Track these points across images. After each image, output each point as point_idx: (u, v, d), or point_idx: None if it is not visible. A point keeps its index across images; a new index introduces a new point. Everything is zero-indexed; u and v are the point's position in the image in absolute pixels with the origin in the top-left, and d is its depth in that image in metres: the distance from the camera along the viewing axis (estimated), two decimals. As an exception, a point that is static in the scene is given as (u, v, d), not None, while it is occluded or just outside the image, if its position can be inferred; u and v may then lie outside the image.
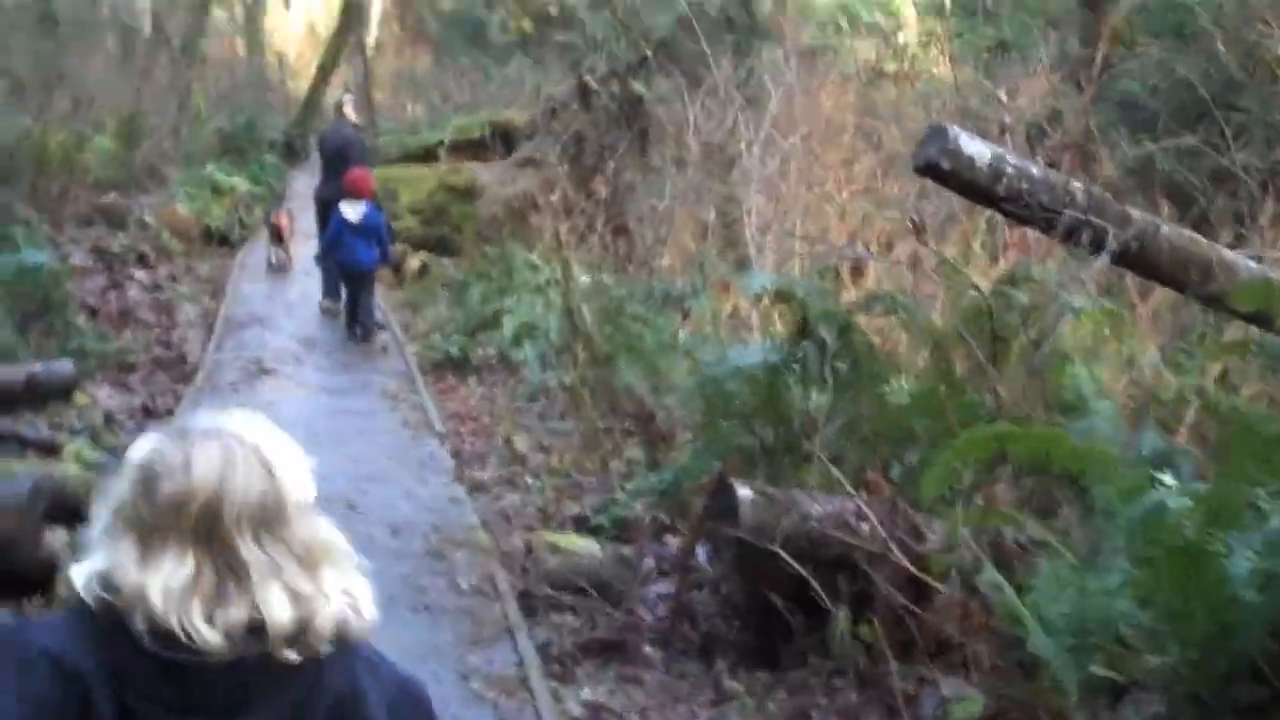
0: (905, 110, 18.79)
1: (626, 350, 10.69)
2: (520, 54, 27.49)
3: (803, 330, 7.62)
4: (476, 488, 9.46)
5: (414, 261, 17.61)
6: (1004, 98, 10.61)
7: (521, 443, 10.46)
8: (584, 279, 13.80)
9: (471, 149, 19.95)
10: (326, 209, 14.23)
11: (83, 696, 2.00)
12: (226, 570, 2.06)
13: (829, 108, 15.67)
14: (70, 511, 6.80)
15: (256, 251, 18.27)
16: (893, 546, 5.47)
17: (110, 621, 2.02)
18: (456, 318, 14.51)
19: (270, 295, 15.72)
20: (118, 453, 9.01)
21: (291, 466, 2.15)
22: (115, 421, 9.92)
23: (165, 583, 2.01)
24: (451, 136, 20.37)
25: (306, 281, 16.00)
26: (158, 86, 23.08)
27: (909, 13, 37.08)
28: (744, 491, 6.00)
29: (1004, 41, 33.52)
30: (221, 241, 19.00)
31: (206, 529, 2.05)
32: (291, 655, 2.07)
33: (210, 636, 2.01)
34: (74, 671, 2.00)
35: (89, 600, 2.04)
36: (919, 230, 7.58)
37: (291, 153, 28.74)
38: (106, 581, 2.03)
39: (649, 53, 19.12)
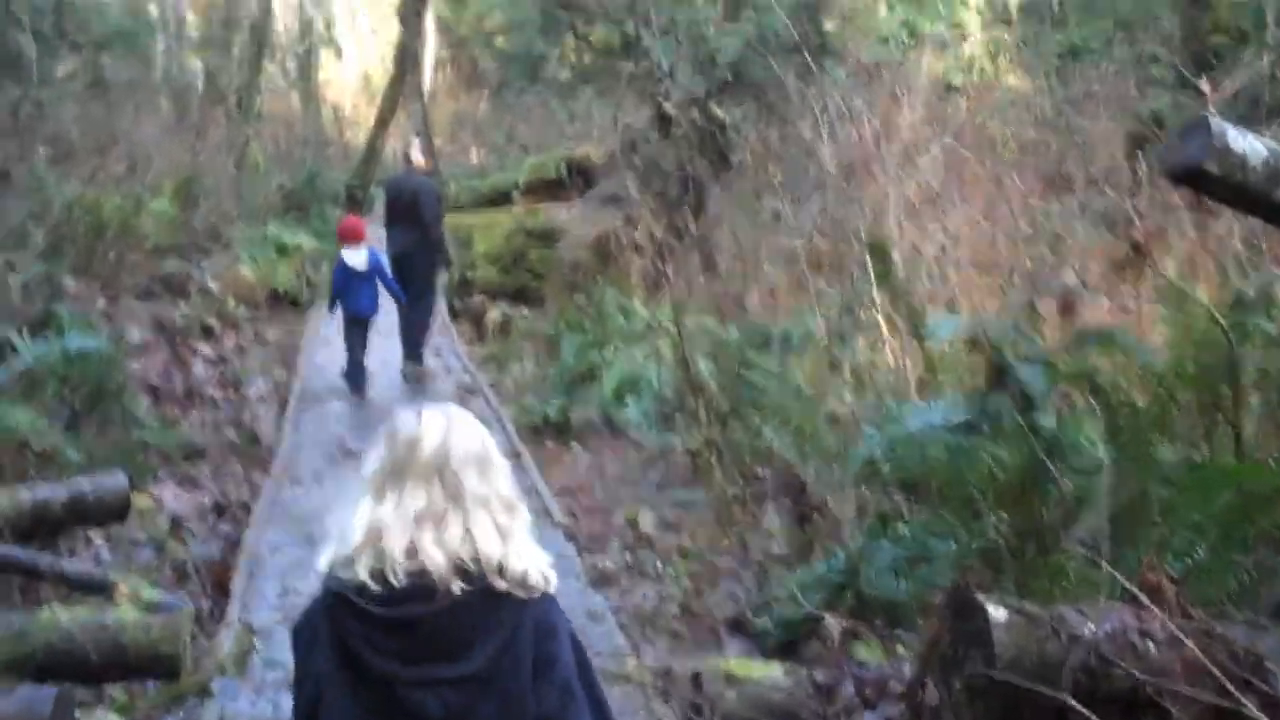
0: (985, 123, 17.59)
1: (756, 406, 9.24)
2: (585, 87, 26.11)
3: (997, 381, 6.17)
4: (602, 579, 8.01)
5: (494, 313, 16.24)
6: (1206, 88, 8.86)
7: (646, 521, 8.99)
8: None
9: (548, 189, 18.60)
10: (402, 267, 12.94)
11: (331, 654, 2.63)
12: (450, 500, 2.64)
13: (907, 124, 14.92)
14: (126, 668, 5.43)
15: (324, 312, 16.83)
16: (1231, 687, 3.94)
17: (334, 607, 2.62)
18: (549, 375, 13.11)
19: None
20: (185, 574, 7.71)
21: (498, 455, 2.79)
22: (183, 527, 8.52)
23: (403, 509, 2.62)
24: (526, 177, 18.99)
25: (383, 344, 14.75)
26: (214, 145, 21.87)
27: (973, 23, 35.69)
28: (997, 612, 4.49)
29: (1075, 47, 32.05)
30: (291, 303, 17.71)
31: (438, 465, 2.66)
32: (500, 584, 2.61)
33: (437, 557, 2.58)
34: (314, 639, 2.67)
35: (324, 580, 2.66)
36: (1142, 250, 6.04)
37: (354, 204, 27.47)
38: (341, 554, 2.64)
39: (728, 75, 17.67)
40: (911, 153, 11.51)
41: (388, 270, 13.24)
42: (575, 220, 16.92)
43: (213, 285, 15.89)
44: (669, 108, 16.58)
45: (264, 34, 30.83)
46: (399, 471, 2.64)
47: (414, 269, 13.03)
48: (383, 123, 28.01)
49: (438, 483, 2.61)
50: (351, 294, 12.99)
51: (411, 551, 2.58)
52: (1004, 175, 11.76)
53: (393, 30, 33.47)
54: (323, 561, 2.68)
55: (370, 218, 26.03)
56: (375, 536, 2.59)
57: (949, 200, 10.88)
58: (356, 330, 13.14)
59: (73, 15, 27.74)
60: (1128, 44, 26.17)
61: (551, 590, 2.71)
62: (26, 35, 25.77)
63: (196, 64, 28.70)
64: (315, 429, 11.48)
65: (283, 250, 18.76)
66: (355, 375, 13.11)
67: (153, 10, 33.83)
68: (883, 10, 38.95)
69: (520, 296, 17.27)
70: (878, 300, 8.90)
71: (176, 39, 33.08)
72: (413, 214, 13.15)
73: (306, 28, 38.81)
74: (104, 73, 28.91)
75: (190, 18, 36.98)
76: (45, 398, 9.03)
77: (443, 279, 15.29)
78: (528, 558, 2.67)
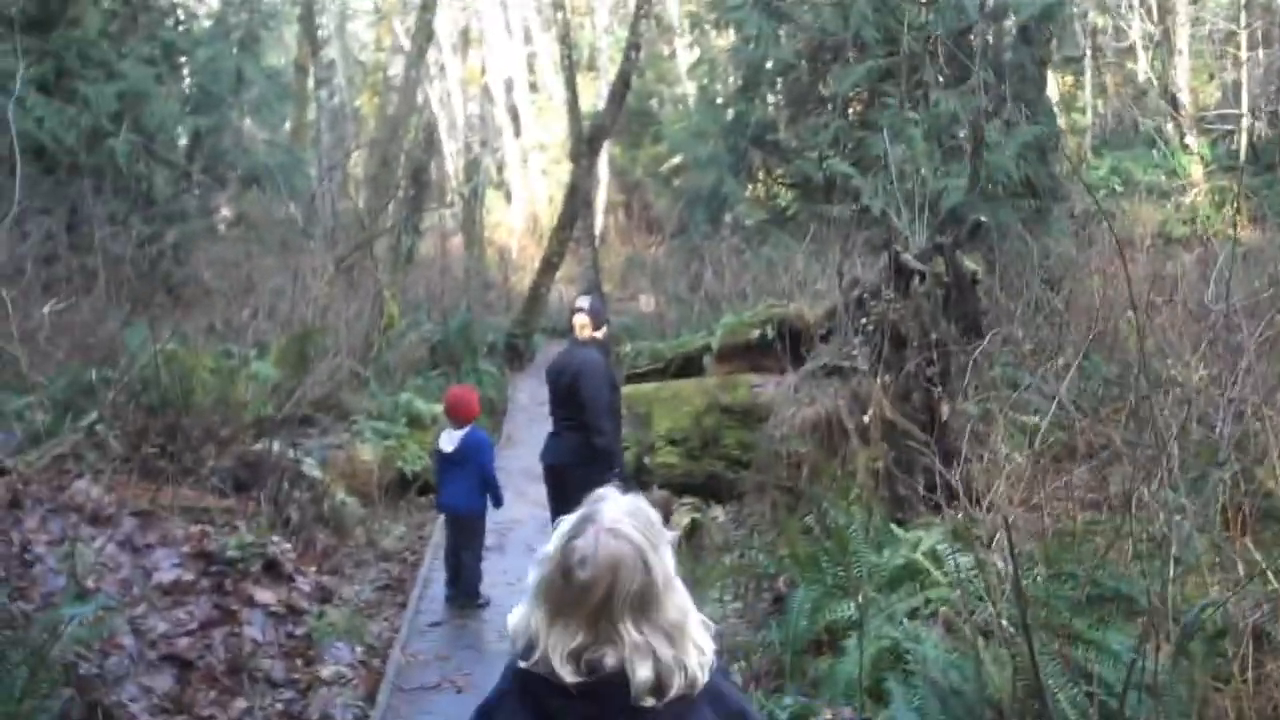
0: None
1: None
2: (780, 233, 21.67)
3: None
4: None
5: (680, 517, 11.66)
6: None
7: None
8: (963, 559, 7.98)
9: (748, 355, 14.00)
10: (559, 480, 8.60)
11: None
12: (607, 641, 2.75)
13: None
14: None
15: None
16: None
17: (529, 675, 2.79)
18: (765, 634, 8.46)
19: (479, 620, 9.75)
20: None
21: (663, 556, 2.84)
22: None
23: (564, 646, 2.74)
24: (721, 340, 14.41)
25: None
26: (347, 294, 17.81)
27: (1195, 171, 30.95)
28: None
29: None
30: (422, 490, 13.35)
31: (599, 609, 2.74)
32: (649, 702, 2.74)
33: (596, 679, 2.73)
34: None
35: (515, 658, 2.86)
36: None
37: (515, 355, 23.39)
38: (527, 641, 2.83)
39: (982, 218, 13.11)
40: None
41: (489, 452, 10.07)
42: (786, 396, 12.27)
43: (315, 471, 11.56)
44: (908, 258, 11.98)
45: (425, 173, 27.23)
46: (567, 609, 2.77)
47: (569, 480, 8.55)
48: (550, 266, 24.03)
49: (595, 627, 2.75)
50: (443, 484, 10.02)
51: (575, 673, 2.74)
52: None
53: (564, 172, 29.82)
54: (515, 634, 2.89)
55: (531, 369, 22.08)
56: (545, 656, 2.77)
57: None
58: (451, 532, 10.01)
59: (217, 148, 24.48)
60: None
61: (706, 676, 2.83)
62: (160, 169, 22.47)
63: (353, 204, 24.95)
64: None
65: (416, 421, 14.42)
66: (451, 595, 9.88)
67: (310, 148, 30.71)
68: (1090, 156, 34.57)
69: (712, 491, 12.70)
70: None
71: (334, 177, 29.74)
72: (572, 403, 8.84)
73: (474, 168, 35.31)
74: (249, 211, 25.72)
75: (356, 157, 33.88)
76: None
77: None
78: (692, 668, 2.79)
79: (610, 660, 2.74)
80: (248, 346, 14.54)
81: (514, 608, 2.92)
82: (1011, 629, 6.35)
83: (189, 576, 8.05)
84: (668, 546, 2.88)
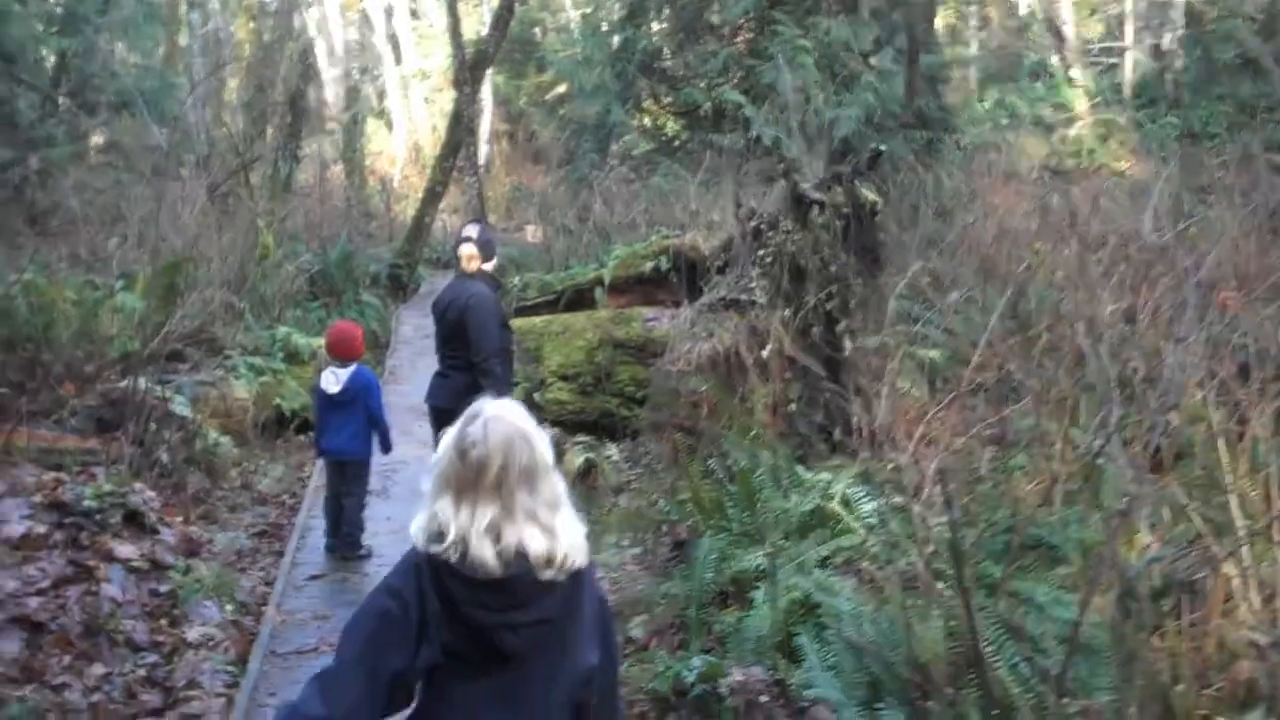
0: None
1: None
2: (668, 162, 21.01)
3: None
4: None
5: (574, 456, 11.06)
6: None
7: None
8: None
9: (643, 288, 13.36)
10: (446, 423, 7.89)
11: (416, 608, 3.01)
12: (505, 513, 3.00)
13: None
14: None
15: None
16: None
17: (435, 562, 3.01)
18: (668, 586, 7.92)
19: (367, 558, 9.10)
20: None
21: (543, 442, 3.12)
22: None
23: (479, 523, 2.98)
24: (614, 272, 13.74)
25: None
26: (227, 224, 16.83)
27: (1080, 104, 30.91)
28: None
29: (1193, 131, 27.14)
30: (301, 428, 12.60)
31: (497, 482, 3.01)
32: (548, 574, 3.02)
33: (491, 563, 2.96)
34: (408, 598, 3.02)
35: (420, 547, 3.05)
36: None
37: (398, 287, 22.52)
38: (433, 530, 3.03)
39: (882, 147, 12.61)
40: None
41: (378, 394, 9.27)
42: (682, 330, 11.69)
43: (185, 409, 10.76)
44: (807, 188, 11.43)
45: (303, 99, 26.06)
46: (470, 487, 3.00)
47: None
48: (433, 196, 23.16)
49: (498, 501, 3.00)
50: (327, 428, 9.14)
51: (487, 552, 2.96)
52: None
53: (447, 101, 28.84)
54: (417, 535, 3.07)
55: (411, 305, 21.25)
56: (460, 539, 2.98)
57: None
58: (332, 477, 9.20)
59: (85, 71, 23.15)
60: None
61: (584, 563, 3.12)
62: (25, 92, 21.17)
63: (227, 131, 23.75)
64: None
65: (295, 356, 13.62)
66: (331, 544, 9.13)
67: (182, 74, 29.33)
68: (976, 89, 34.39)
69: (606, 429, 12.11)
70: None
71: (208, 104, 28.37)
72: (459, 341, 8.15)
73: (354, 95, 34.08)
74: (120, 139, 24.42)
75: (231, 84, 32.50)
76: None
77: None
78: (567, 545, 3.04)
79: (510, 535, 2.99)
80: (114, 277, 13.61)
81: (414, 518, 3.10)
82: (941, 585, 5.86)
83: (40, 529, 7.26)
84: (545, 439, 3.15)
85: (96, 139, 24.77)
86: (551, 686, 3.12)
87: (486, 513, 2.98)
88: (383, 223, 27.06)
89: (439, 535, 3.01)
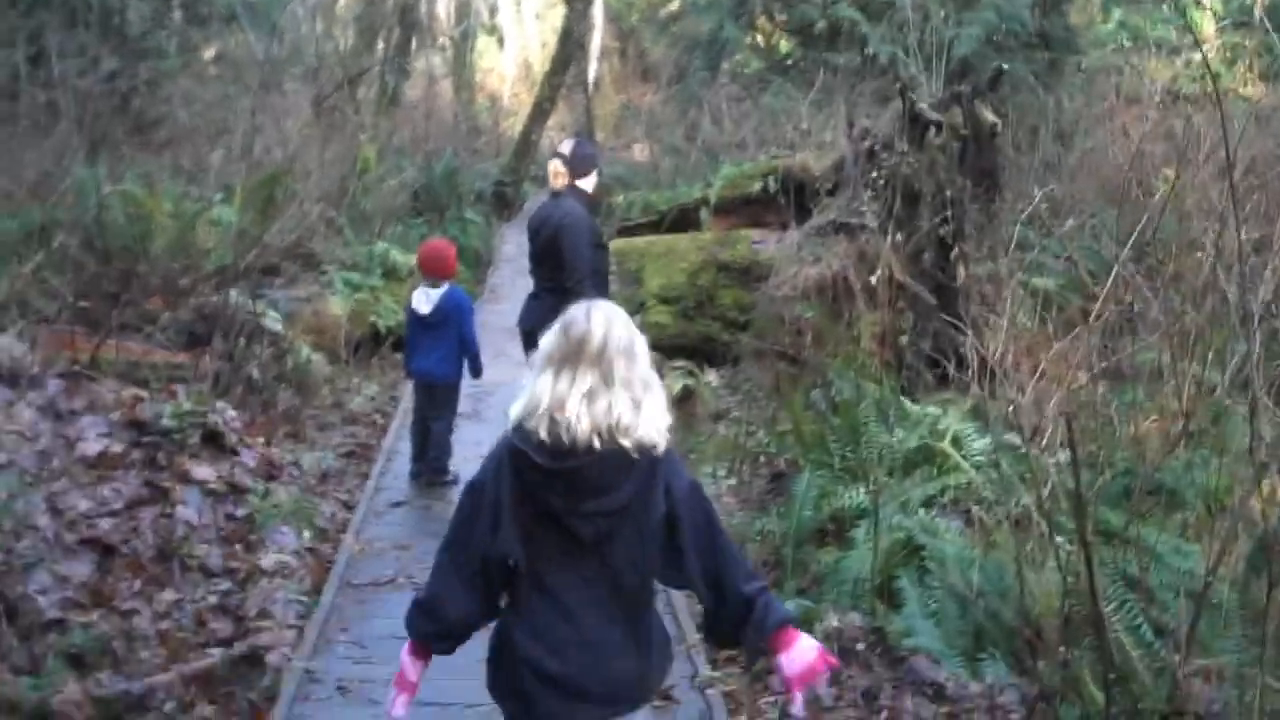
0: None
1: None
2: (779, 81, 20.31)
3: None
4: None
5: (672, 381, 10.63)
6: None
7: None
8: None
9: (749, 210, 12.82)
10: (532, 344, 7.47)
11: (493, 494, 3.26)
12: (602, 381, 3.15)
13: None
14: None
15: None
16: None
17: (515, 451, 3.20)
18: (764, 521, 7.50)
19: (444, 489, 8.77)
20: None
21: (640, 335, 3.30)
22: None
23: (575, 390, 3.14)
24: (720, 193, 13.21)
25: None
26: (331, 137, 16.54)
27: (1208, 27, 29.56)
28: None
29: (1319, 55, 25.76)
30: (396, 346, 12.29)
31: (599, 352, 3.17)
32: (628, 444, 3.14)
33: (585, 430, 3.11)
34: (488, 485, 3.27)
35: (510, 428, 3.24)
36: None
37: (503, 204, 22.20)
38: (530, 405, 3.20)
39: (1004, 66, 11.93)
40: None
41: (470, 316, 8.87)
42: (789, 254, 11.17)
43: (277, 325, 10.50)
44: (924, 108, 10.81)
45: (414, 13, 25.73)
46: (572, 358, 3.17)
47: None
48: (541, 112, 22.77)
49: (598, 369, 3.16)
50: (417, 350, 8.81)
51: (580, 418, 3.12)
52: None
53: (558, 17, 28.30)
54: (513, 413, 3.25)
55: (515, 223, 20.91)
56: (558, 406, 3.14)
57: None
58: (421, 400, 8.88)
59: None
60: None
61: (664, 445, 3.25)
62: (135, 2, 20.99)
63: (337, 45, 23.49)
64: (369, 647, 5.98)
65: (393, 273, 13.32)
66: (416, 470, 8.85)
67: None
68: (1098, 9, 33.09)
69: (706, 354, 11.68)
70: None
71: (319, 17, 28.12)
72: (551, 262, 7.73)
73: (465, 10, 33.64)
74: (231, 51, 24.23)
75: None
76: None
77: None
78: (650, 424, 3.20)
79: (603, 402, 3.15)
80: (212, 190, 13.38)
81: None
82: (1060, 538, 5.35)
83: (117, 448, 7.03)
84: (642, 339, 3.32)
85: (207, 51, 24.61)
86: (634, 571, 3.29)
87: (586, 380, 3.16)
88: (490, 139, 26.74)
89: (534, 409, 3.20)
